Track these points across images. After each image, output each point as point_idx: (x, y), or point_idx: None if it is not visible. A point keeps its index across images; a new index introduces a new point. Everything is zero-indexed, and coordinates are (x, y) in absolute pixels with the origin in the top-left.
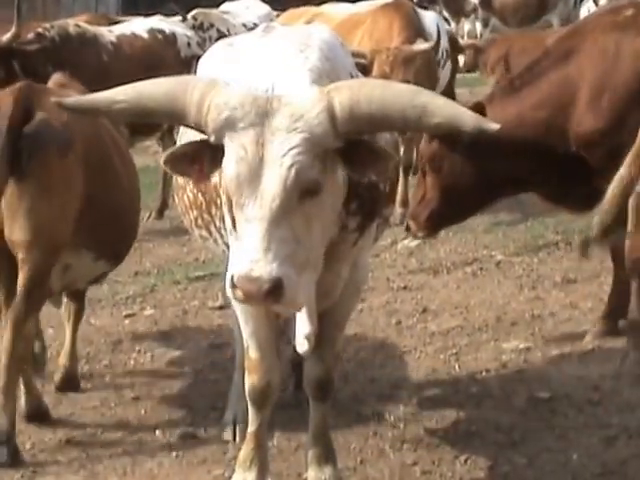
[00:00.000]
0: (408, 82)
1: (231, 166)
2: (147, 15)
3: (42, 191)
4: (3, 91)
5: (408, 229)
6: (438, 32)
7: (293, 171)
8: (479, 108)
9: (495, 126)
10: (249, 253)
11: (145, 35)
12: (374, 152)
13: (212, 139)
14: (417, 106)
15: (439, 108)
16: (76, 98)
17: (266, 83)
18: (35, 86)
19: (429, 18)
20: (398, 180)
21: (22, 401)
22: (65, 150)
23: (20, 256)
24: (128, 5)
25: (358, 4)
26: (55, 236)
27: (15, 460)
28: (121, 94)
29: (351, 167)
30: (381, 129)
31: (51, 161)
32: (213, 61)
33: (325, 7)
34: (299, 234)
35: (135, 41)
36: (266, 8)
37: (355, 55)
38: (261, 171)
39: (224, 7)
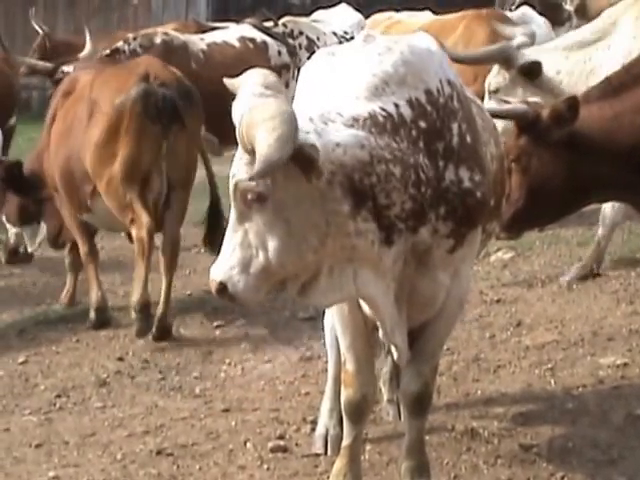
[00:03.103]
0: None
1: None
2: (237, 21)
3: (194, 138)
4: (145, 63)
5: None
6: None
7: (233, 180)
8: (572, 102)
9: (253, 179)
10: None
11: (236, 43)
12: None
13: None
14: (253, 137)
15: (258, 144)
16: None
17: (337, 89)
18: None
19: (538, 24)
20: (503, 196)
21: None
22: (200, 105)
23: (175, 190)
24: (218, 11)
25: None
26: (194, 175)
27: (163, 334)
28: (228, 84)
29: (306, 175)
30: None
31: (199, 114)
32: (313, 69)
33: (403, 15)
34: (257, 240)
35: (226, 49)
36: (357, 16)
37: None
38: None
39: (316, 15)
